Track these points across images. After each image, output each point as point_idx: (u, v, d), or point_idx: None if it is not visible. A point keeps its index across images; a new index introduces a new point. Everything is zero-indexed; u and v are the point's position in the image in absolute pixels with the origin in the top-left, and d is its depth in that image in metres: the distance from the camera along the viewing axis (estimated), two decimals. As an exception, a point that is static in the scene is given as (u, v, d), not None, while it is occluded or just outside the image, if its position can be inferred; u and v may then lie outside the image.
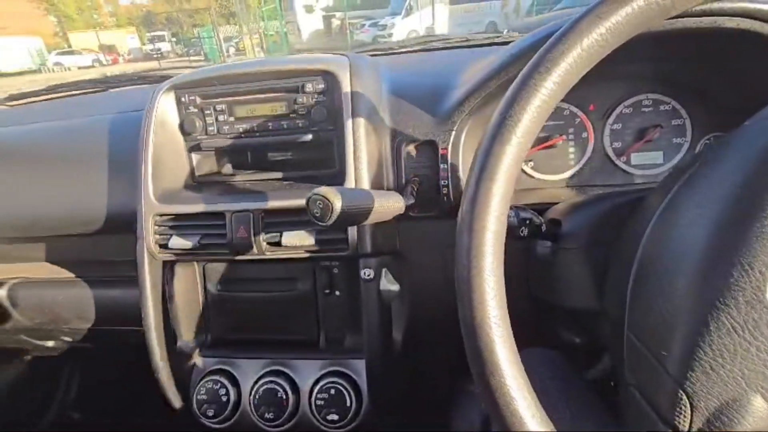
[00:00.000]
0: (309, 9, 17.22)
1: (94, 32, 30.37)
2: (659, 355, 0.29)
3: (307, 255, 0.62)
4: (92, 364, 1.16)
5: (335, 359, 0.68)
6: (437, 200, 0.64)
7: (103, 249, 0.80)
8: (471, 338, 0.28)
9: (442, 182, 0.63)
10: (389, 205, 0.51)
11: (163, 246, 0.64)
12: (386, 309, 0.63)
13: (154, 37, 25.88)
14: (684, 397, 0.27)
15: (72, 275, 0.85)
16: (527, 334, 0.38)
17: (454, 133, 0.63)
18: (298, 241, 0.60)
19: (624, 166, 0.70)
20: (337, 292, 0.69)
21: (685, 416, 0.27)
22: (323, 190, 0.44)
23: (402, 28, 12.51)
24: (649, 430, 0.30)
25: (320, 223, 0.45)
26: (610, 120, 0.69)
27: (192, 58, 17.93)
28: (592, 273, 0.48)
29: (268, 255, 0.62)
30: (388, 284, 0.61)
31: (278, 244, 0.61)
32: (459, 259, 0.29)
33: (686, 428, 0.27)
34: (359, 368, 0.67)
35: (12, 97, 1.12)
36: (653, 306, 0.31)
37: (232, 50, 15.12)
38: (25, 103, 1.11)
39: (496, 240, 0.28)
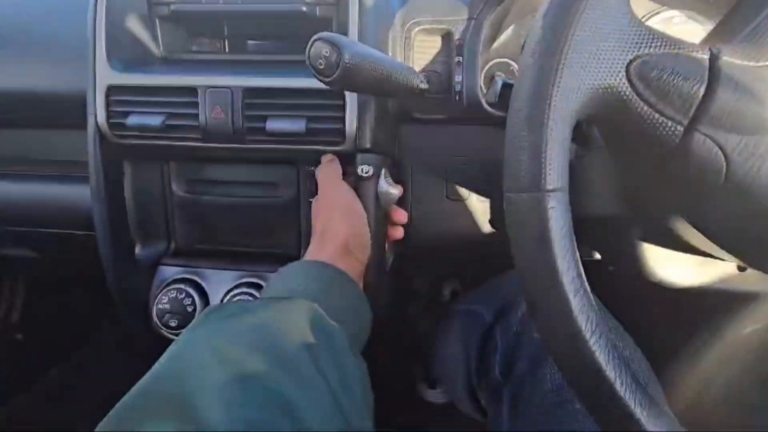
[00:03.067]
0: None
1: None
2: None
3: (294, 147, 0.53)
4: (36, 278, 1.04)
5: None
6: (448, 101, 0.56)
7: (54, 147, 0.68)
8: None
9: (456, 78, 0.55)
10: (404, 76, 0.42)
11: (119, 125, 0.53)
12: (383, 215, 0.56)
13: None
14: None
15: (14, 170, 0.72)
16: None
17: (474, 21, 0.54)
18: (285, 127, 0.51)
19: None
20: None
21: None
22: (330, 35, 0.36)
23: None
24: None
25: (322, 78, 0.36)
26: None
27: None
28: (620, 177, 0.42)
29: (248, 144, 0.53)
30: (387, 186, 0.53)
31: (261, 130, 0.52)
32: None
33: None
34: None
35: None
36: None
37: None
38: None
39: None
